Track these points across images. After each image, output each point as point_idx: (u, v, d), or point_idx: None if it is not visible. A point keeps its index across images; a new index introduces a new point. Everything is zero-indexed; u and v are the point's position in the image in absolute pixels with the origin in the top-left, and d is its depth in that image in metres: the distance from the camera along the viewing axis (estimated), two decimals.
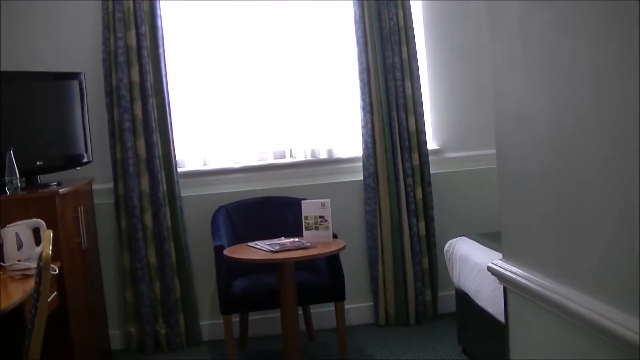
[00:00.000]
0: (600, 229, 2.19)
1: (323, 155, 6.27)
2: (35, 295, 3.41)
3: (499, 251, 3.13)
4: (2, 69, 5.69)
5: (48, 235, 3.52)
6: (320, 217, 5.31)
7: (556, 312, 2.46)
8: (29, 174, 5.17)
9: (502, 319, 3.40)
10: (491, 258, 4.43)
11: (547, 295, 2.50)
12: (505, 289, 2.99)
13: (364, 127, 6.10)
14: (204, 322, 6.20)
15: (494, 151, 3.03)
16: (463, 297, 5.17)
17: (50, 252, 3.41)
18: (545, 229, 2.57)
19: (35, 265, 3.46)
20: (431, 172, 6.20)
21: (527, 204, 2.71)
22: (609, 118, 2.10)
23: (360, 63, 6.07)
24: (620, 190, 2.06)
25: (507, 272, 2.86)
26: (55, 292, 4.52)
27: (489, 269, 3.06)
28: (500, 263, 2.96)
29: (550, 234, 2.53)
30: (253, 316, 5.90)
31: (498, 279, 2.99)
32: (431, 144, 6.36)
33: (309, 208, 5.36)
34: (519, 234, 2.83)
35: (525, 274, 2.71)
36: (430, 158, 6.21)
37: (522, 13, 2.59)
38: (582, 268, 2.32)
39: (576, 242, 2.34)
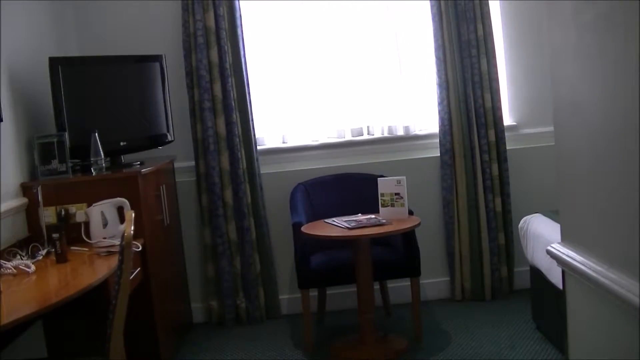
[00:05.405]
0: None
1: (400, 132, 6.31)
2: (118, 272, 3.58)
3: None
4: (86, 54, 5.90)
5: (130, 215, 3.67)
6: (396, 194, 5.36)
7: (608, 296, 2.51)
8: (113, 154, 5.34)
9: None
10: None
11: (599, 280, 2.55)
12: (563, 271, 3.04)
13: (440, 103, 6.12)
14: (283, 296, 6.34)
15: None
16: (537, 274, 5.17)
17: (132, 231, 3.57)
18: (598, 214, 2.61)
19: (119, 243, 3.62)
20: (507, 148, 6.19)
21: (581, 190, 2.75)
22: None
23: (435, 40, 6.07)
24: None
25: (564, 256, 2.91)
26: (139, 268, 4.72)
27: (548, 252, 3.11)
28: (558, 247, 3.00)
29: (602, 219, 2.57)
30: (331, 290, 6.02)
31: (557, 262, 3.03)
32: (507, 120, 6.33)
33: (385, 185, 5.42)
34: (575, 219, 2.88)
35: (581, 258, 2.76)
36: (507, 134, 6.20)
37: (576, 4, 2.62)
38: (630, 254, 2.36)
39: (626, 229, 2.37)
